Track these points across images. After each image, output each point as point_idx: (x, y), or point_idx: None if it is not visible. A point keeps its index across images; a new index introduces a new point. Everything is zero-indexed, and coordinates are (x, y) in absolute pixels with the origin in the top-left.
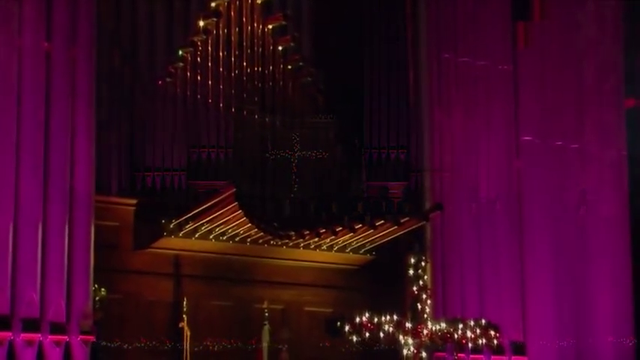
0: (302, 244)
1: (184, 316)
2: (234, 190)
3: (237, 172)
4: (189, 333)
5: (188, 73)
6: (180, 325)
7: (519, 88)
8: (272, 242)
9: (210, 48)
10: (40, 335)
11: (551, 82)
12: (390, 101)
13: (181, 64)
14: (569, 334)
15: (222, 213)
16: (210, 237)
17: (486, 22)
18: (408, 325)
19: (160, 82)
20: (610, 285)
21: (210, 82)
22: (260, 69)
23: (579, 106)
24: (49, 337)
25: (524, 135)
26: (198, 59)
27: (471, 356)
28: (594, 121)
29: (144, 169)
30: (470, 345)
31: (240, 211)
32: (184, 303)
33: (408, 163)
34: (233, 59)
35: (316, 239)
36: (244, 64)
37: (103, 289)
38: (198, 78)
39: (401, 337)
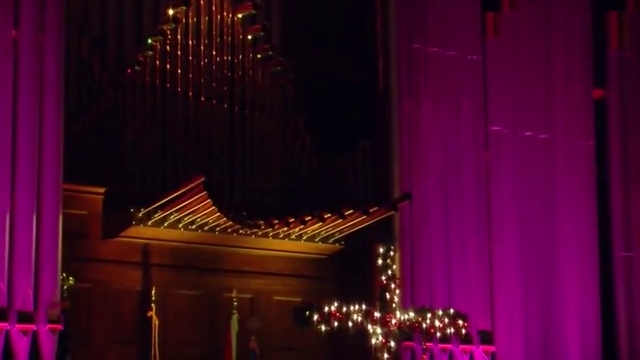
0: (271, 234)
1: (153, 305)
2: (203, 179)
3: (207, 162)
4: (157, 322)
5: (157, 62)
6: (148, 314)
7: (488, 78)
8: (241, 231)
9: (179, 37)
10: (7, 324)
11: (520, 72)
12: (359, 92)
13: (151, 52)
14: (536, 323)
15: (191, 202)
16: (179, 226)
17: (456, 12)
18: (377, 314)
19: (129, 71)
20: (578, 274)
21: (179, 71)
22: (229, 58)
23: (548, 96)
24: (17, 326)
25: (492, 125)
26: (168, 48)
27: (439, 345)
28: (563, 112)
29: (113, 159)
30: (438, 334)
31: (209, 200)
32: (153, 292)
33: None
34: (202, 48)
35: (285, 228)
36: (214, 52)
37: (71, 278)
38: (168, 67)
39: (369, 326)
